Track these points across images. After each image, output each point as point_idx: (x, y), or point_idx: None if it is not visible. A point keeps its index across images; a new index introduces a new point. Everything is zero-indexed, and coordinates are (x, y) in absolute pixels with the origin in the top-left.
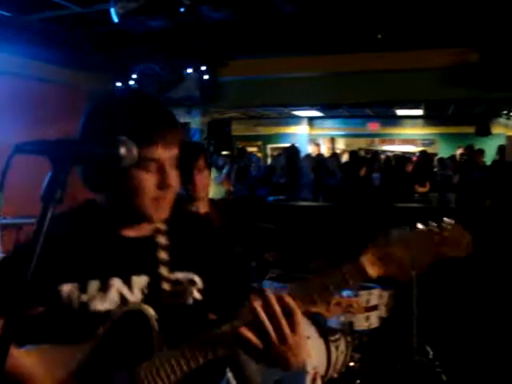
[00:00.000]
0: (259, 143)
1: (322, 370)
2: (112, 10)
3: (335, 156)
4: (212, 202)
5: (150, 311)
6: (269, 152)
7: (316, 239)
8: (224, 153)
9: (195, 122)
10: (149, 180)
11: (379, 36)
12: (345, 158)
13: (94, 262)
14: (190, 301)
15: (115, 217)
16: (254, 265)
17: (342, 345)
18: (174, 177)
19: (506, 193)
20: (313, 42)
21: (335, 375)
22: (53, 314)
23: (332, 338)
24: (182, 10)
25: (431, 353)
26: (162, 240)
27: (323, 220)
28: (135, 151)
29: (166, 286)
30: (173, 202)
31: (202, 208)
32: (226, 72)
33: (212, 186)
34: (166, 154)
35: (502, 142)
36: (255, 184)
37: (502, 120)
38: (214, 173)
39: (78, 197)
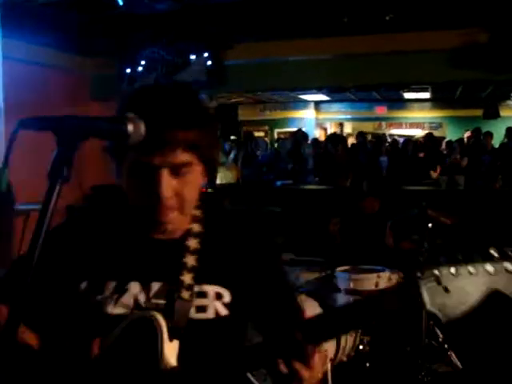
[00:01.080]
0: (266, 128)
1: (331, 353)
2: None
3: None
4: None
5: (160, 321)
6: (276, 136)
7: (322, 222)
8: (231, 138)
9: None
10: (138, 186)
11: (387, 17)
12: (351, 141)
13: (116, 263)
14: (212, 315)
15: (143, 217)
16: None
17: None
18: (167, 185)
19: None
20: (319, 23)
21: (344, 358)
22: (68, 310)
23: None
24: None
25: (441, 336)
26: (193, 243)
27: (328, 203)
28: (143, 129)
29: (185, 295)
30: (198, 203)
31: None
32: (232, 55)
33: (219, 171)
34: (161, 159)
35: (511, 124)
36: (262, 169)
37: (511, 102)
38: (221, 158)
39: (84, 184)
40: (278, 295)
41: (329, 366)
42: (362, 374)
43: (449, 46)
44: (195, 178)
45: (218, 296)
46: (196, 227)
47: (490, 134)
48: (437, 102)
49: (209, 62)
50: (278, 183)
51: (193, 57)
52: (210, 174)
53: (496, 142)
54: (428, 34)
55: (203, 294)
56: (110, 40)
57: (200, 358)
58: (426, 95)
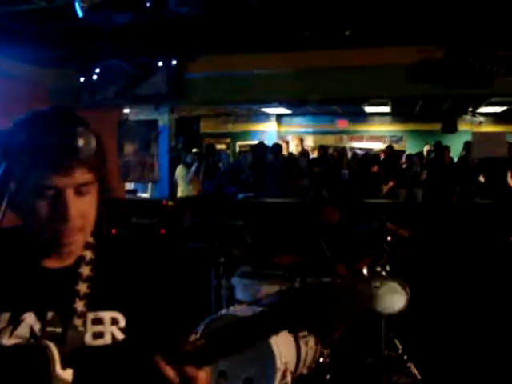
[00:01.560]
0: (228, 140)
1: (291, 366)
2: (76, 5)
3: (305, 153)
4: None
5: (53, 349)
6: (238, 149)
7: (283, 235)
8: (193, 150)
9: (163, 119)
10: (42, 208)
11: (347, 33)
12: (314, 154)
13: (10, 294)
14: (109, 341)
15: (35, 244)
16: (222, 260)
17: (312, 340)
18: (73, 206)
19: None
20: (281, 38)
21: (305, 371)
22: None
23: (301, 334)
24: (148, 4)
25: (400, 347)
26: (85, 271)
27: (291, 216)
28: (94, 143)
29: (78, 323)
30: (92, 229)
31: None
32: (194, 68)
33: (181, 184)
34: (65, 180)
35: (468, 138)
36: (224, 182)
37: (468, 117)
38: (182, 171)
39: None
40: (163, 318)
41: (289, 378)
42: None
43: (407, 62)
44: (94, 197)
45: (114, 321)
46: (88, 254)
47: (447, 148)
48: (397, 115)
49: (170, 75)
50: (240, 196)
51: (154, 69)
52: (104, 193)
53: (455, 155)
54: (387, 50)
55: (99, 321)
56: (69, 51)
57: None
58: (387, 109)
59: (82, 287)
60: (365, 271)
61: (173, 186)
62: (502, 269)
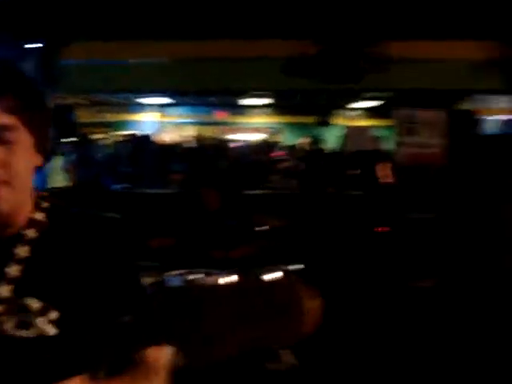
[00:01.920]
0: (106, 130)
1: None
2: None
3: (183, 144)
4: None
5: None
6: (116, 139)
7: (161, 223)
8: (68, 140)
9: None
10: None
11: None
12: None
13: None
14: (35, 333)
15: None
16: None
17: None
18: None
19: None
20: (160, 27)
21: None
22: None
23: None
24: None
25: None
26: (21, 251)
27: (171, 207)
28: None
29: (1, 309)
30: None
31: None
32: (69, 54)
33: (56, 174)
34: None
35: (343, 132)
36: (100, 172)
37: (343, 111)
38: (57, 160)
39: None
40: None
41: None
42: None
43: (283, 55)
44: (24, 149)
45: (44, 312)
46: (30, 232)
47: (322, 141)
48: (276, 108)
49: (41, 60)
50: (116, 187)
51: (27, 53)
52: (43, 152)
53: (330, 148)
54: (264, 43)
55: (25, 309)
56: None
57: (14, 378)
58: (266, 101)
59: (13, 270)
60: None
61: (47, 175)
62: (366, 257)
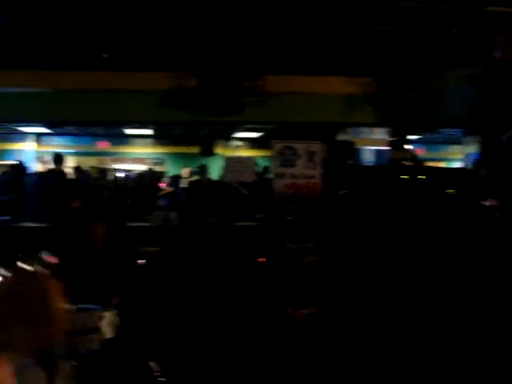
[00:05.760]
0: None
1: None
2: None
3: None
4: None
5: None
6: None
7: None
8: None
9: None
10: None
11: (104, 56)
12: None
13: None
14: None
15: None
16: None
17: (65, 372)
18: None
19: (229, 209)
20: (38, 56)
21: None
22: None
23: (53, 366)
24: None
25: (157, 369)
26: None
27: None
28: None
29: None
30: None
31: None
32: None
33: None
34: None
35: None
36: None
37: (225, 142)
38: None
39: None
40: None
41: None
42: None
43: (162, 88)
44: None
45: None
46: None
47: (206, 171)
48: (158, 138)
49: None
50: None
51: None
52: None
53: (214, 177)
54: (145, 75)
55: None
56: None
57: None
58: (148, 131)
59: None
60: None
61: None
62: (250, 287)
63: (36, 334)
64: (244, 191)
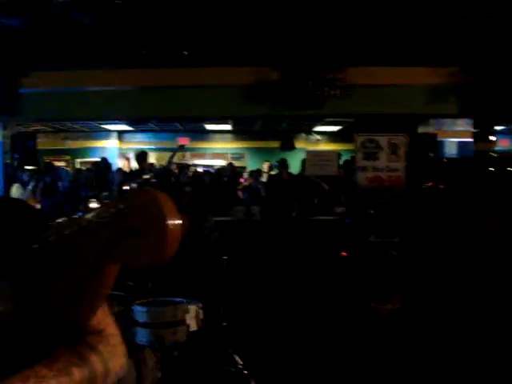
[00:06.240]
0: (68, 157)
1: None
2: None
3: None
4: None
5: None
6: (78, 166)
7: None
8: (29, 168)
9: None
10: None
11: (185, 52)
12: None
13: None
14: None
15: None
16: None
17: (151, 362)
18: None
19: (310, 203)
20: (120, 55)
21: None
22: None
23: (141, 356)
24: None
25: (240, 362)
26: None
27: None
28: None
29: None
30: None
31: None
32: (28, 83)
33: None
34: None
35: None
36: (63, 200)
37: (305, 135)
38: (18, 189)
39: None
40: None
41: None
42: None
43: (244, 82)
44: None
45: None
46: None
47: (286, 166)
48: (238, 133)
49: (5, 87)
50: (80, 214)
51: None
52: None
53: (293, 172)
54: (225, 70)
55: None
56: None
57: None
58: (228, 127)
59: None
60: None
61: None
62: (332, 281)
63: (150, 247)
64: (325, 186)
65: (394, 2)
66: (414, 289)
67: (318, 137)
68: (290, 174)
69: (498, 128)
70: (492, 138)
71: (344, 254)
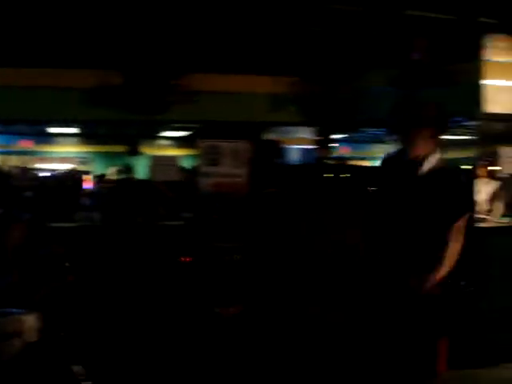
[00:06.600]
0: None
1: None
2: None
3: None
4: None
5: None
6: None
7: None
8: None
9: None
10: None
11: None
12: None
13: None
14: None
15: None
16: None
17: None
18: None
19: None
20: None
21: None
22: None
23: None
24: None
25: (82, 373)
26: None
27: None
28: None
29: None
30: None
31: None
32: None
33: None
34: None
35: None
36: None
37: (151, 141)
38: None
39: None
40: None
41: None
42: None
43: (85, 85)
44: None
45: None
46: None
47: (133, 171)
48: (84, 137)
49: None
50: None
51: None
52: None
53: (140, 176)
54: (70, 72)
55: None
56: None
57: None
58: (73, 130)
59: None
60: None
61: None
62: (177, 286)
63: None
64: (168, 193)
65: (238, 11)
66: (257, 292)
67: (165, 142)
68: (136, 179)
69: (339, 136)
70: (332, 145)
71: (188, 259)
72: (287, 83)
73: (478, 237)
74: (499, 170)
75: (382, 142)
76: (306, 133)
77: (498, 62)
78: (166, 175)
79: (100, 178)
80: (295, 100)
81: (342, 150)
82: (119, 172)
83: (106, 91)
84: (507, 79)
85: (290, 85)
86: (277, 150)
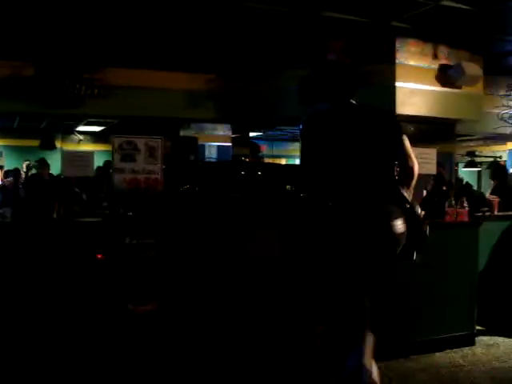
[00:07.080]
0: None
1: None
2: None
3: None
4: None
5: None
6: None
7: None
8: None
9: None
10: None
11: None
12: None
13: None
14: None
15: None
16: None
17: None
18: None
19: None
20: None
21: None
22: None
23: None
24: None
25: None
26: None
27: None
28: None
29: None
30: None
31: None
32: None
33: None
34: None
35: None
36: None
37: (66, 135)
38: None
39: None
40: None
41: None
42: None
43: None
44: None
45: None
46: None
47: (46, 165)
48: None
49: None
50: None
51: None
52: None
53: (56, 172)
54: None
55: None
56: None
57: None
58: None
59: None
60: None
61: None
62: (90, 284)
63: None
64: (76, 190)
65: (156, 6)
66: (172, 290)
67: (81, 137)
68: (51, 174)
69: (256, 134)
70: (249, 143)
71: (100, 256)
72: (204, 80)
73: None
74: None
75: (299, 140)
76: (224, 130)
77: (410, 65)
78: (80, 171)
79: (13, 173)
80: (211, 97)
81: (260, 148)
82: (32, 167)
83: (17, 83)
84: (419, 83)
85: (207, 81)
86: (194, 146)
